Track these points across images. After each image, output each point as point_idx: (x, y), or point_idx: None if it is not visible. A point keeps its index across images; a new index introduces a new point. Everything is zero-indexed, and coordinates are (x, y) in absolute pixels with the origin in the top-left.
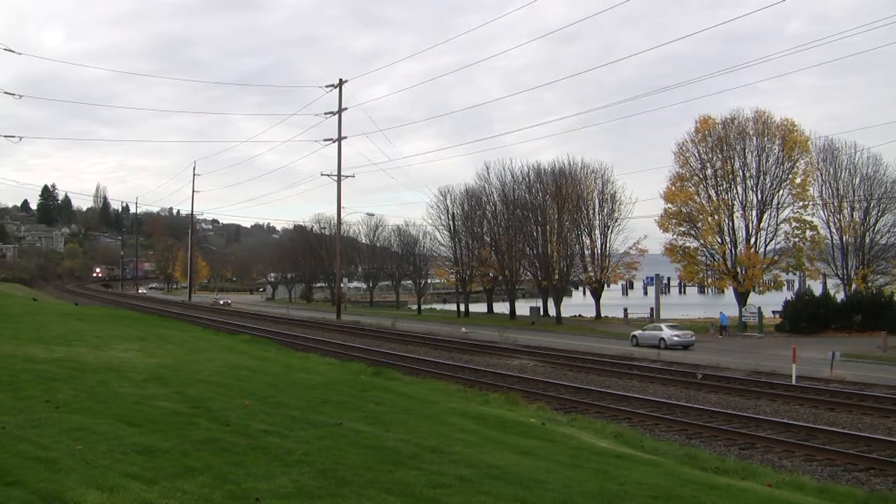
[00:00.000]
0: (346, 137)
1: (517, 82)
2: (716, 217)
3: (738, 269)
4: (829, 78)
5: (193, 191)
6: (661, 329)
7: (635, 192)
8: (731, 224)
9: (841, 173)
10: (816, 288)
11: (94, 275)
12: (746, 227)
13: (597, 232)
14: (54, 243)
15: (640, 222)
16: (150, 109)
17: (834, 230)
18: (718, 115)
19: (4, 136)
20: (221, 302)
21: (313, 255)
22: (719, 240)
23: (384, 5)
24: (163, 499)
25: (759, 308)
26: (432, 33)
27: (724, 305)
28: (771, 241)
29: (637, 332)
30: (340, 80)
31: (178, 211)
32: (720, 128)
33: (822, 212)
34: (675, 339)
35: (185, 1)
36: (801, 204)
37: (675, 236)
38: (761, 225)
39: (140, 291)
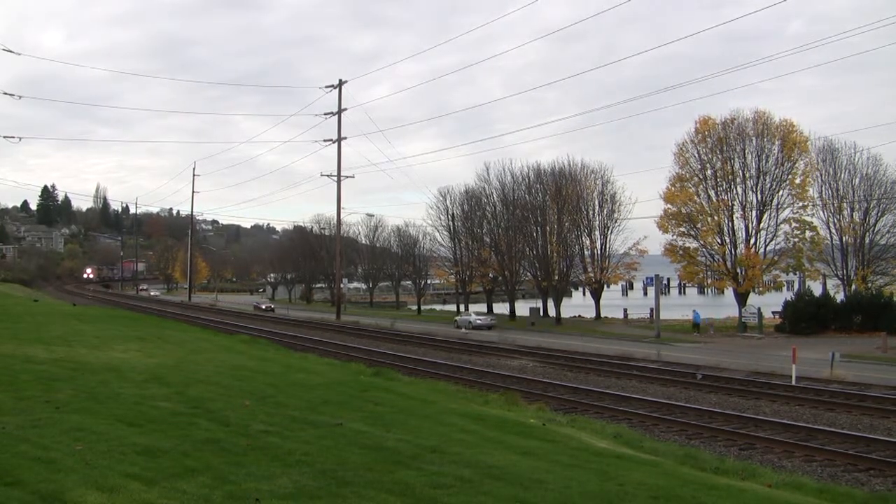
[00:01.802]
0: (345, 138)
1: (518, 82)
2: (715, 217)
3: (738, 270)
4: (830, 78)
5: (193, 191)
6: (470, 315)
7: (635, 192)
8: (730, 224)
9: (841, 174)
10: (816, 288)
11: (86, 275)
12: (746, 227)
13: (597, 232)
14: (54, 244)
15: (640, 223)
16: (150, 110)
17: (834, 231)
18: (718, 116)
19: (4, 137)
20: (264, 307)
21: (313, 255)
22: (719, 240)
23: (384, 5)
24: (163, 499)
25: (759, 308)
26: (433, 33)
27: (725, 306)
28: (771, 241)
29: (457, 318)
30: (340, 80)
31: (178, 211)
32: (720, 128)
33: (821, 212)
34: (479, 321)
35: (185, 1)
36: (800, 204)
37: (674, 237)
38: (761, 225)
39: (153, 294)
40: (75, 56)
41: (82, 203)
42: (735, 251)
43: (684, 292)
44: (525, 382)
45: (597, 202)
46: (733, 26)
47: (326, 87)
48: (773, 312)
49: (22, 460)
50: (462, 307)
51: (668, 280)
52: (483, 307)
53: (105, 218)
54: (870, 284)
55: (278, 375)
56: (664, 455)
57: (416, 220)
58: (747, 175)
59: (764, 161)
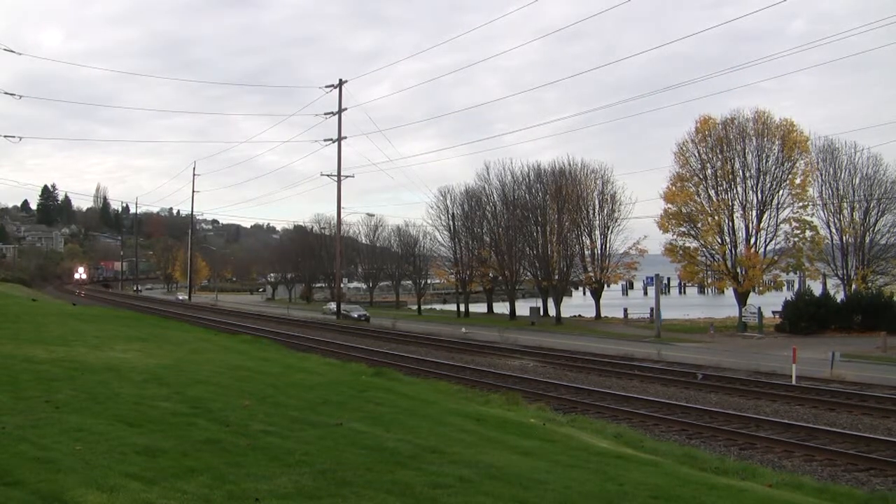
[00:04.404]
0: (345, 138)
1: (518, 82)
2: (716, 217)
3: (738, 270)
4: (831, 78)
5: (193, 191)
6: (331, 305)
7: (635, 192)
8: (730, 224)
9: (841, 173)
10: (816, 288)
11: (77, 275)
12: (746, 227)
13: (597, 232)
14: (54, 243)
15: (640, 222)
16: (150, 109)
17: (834, 230)
18: (719, 115)
19: (4, 136)
20: (356, 315)
21: (313, 255)
22: (719, 240)
23: (385, 4)
24: (162, 499)
25: (759, 308)
26: (433, 32)
27: (725, 306)
28: (771, 241)
29: (323, 307)
30: (340, 80)
31: (178, 211)
32: (720, 128)
33: (821, 212)
34: (334, 308)
35: None
36: (800, 204)
37: (674, 236)
38: (761, 225)
39: (181, 297)
40: (75, 55)
41: (82, 203)
42: (735, 251)
43: (684, 292)
44: (526, 382)
45: (597, 202)
46: (734, 26)
47: (327, 86)
48: (774, 312)
49: (22, 460)
50: (461, 307)
51: (669, 280)
52: (483, 307)
53: (105, 218)
54: (870, 284)
55: (278, 375)
56: (664, 455)
57: (416, 220)
58: (747, 175)
59: (764, 161)
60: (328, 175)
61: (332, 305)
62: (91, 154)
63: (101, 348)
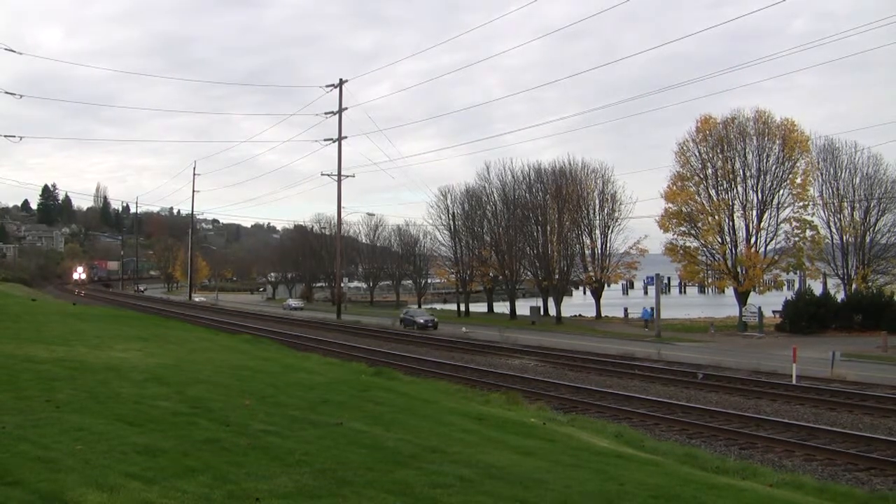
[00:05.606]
0: (346, 137)
1: (518, 81)
2: (716, 217)
3: (739, 269)
4: (831, 77)
5: (194, 190)
6: (290, 301)
7: (635, 191)
8: (731, 224)
9: (841, 173)
10: (816, 288)
11: (76, 275)
12: (747, 226)
13: (597, 232)
14: (54, 243)
15: (641, 222)
16: (151, 109)
17: (834, 230)
18: (719, 115)
19: (4, 136)
20: (422, 321)
21: (313, 255)
22: (720, 239)
23: (385, 4)
24: (163, 498)
25: (760, 308)
26: (433, 32)
27: (725, 305)
28: (771, 240)
29: (283, 303)
30: (340, 79)
31: (179, 211)
32: (721, 127)
33: (822, 211)
34: (294, 304)
35: None
36: (801, 204)
37: (675, 236)
38: (762, 225)
39: (198, 300)
40: (75, 55)
41: (83, 202)
42: (735, 250)
43: (685, 291)
44: (526, 382)
45: (597, 201)
46: (735, 25)
47: (327, 86)
48: (774, 312)
49: (22, 460)
50: (462, 306)
51: (669, 279)
52: (483, 307)
53: (105, 217)
54: (870, 284)
55: (279, 375)
56: (665, 455)
57: (416, 220)
58: (748, 174)
59: (764, 160)
60: (328, 174)
61: (292, 302)
62: (92, 154)
63: (102, 348)
